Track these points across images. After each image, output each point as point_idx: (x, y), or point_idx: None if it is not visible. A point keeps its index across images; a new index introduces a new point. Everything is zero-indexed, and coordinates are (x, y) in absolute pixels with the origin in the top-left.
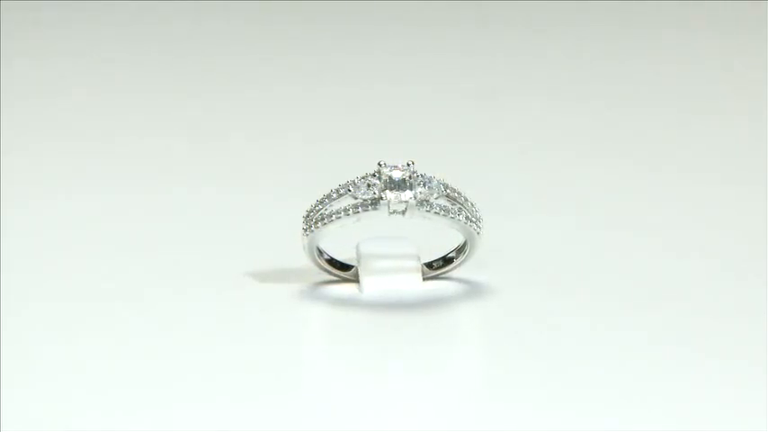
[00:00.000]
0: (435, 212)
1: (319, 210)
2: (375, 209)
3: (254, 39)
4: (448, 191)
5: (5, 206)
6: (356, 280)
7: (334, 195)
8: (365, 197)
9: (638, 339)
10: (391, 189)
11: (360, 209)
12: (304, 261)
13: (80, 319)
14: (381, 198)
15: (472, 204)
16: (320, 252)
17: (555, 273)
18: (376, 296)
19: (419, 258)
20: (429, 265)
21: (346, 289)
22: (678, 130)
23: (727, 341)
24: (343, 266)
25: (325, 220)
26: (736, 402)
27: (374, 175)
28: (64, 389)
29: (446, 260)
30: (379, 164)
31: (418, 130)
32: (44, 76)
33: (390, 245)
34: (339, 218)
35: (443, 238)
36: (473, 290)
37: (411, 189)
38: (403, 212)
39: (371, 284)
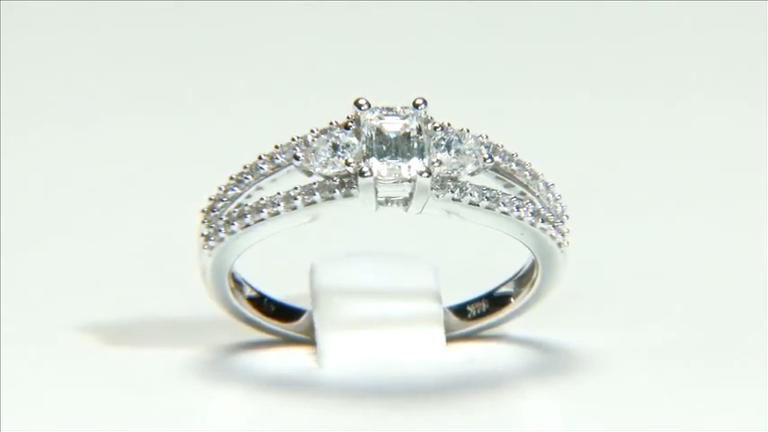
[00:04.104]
0: (471, 203)
1: (225, 203)
2: (348, 195)
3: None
4: (497, 158)
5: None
6: (309, 340)
7: (263, 168)
8: (329, 171)
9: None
10: (381, 155)
11: (318, 194)
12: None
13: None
14: (363, 173)
15: (547, 187)
16: (237, 283)
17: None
18: (348, 375)
19: (440, 298)
20: (461, 312)
21: (289, 355)
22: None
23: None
24: (284, 312)
25: (248, 219)
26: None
27: (347, 126)
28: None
29: (494, 300)
30: (358, 103)
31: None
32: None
33: (381, 268)
34: (277, 214)
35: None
36: None
37: (422, 155)
38: (405, 202)
39: (339, 351)
